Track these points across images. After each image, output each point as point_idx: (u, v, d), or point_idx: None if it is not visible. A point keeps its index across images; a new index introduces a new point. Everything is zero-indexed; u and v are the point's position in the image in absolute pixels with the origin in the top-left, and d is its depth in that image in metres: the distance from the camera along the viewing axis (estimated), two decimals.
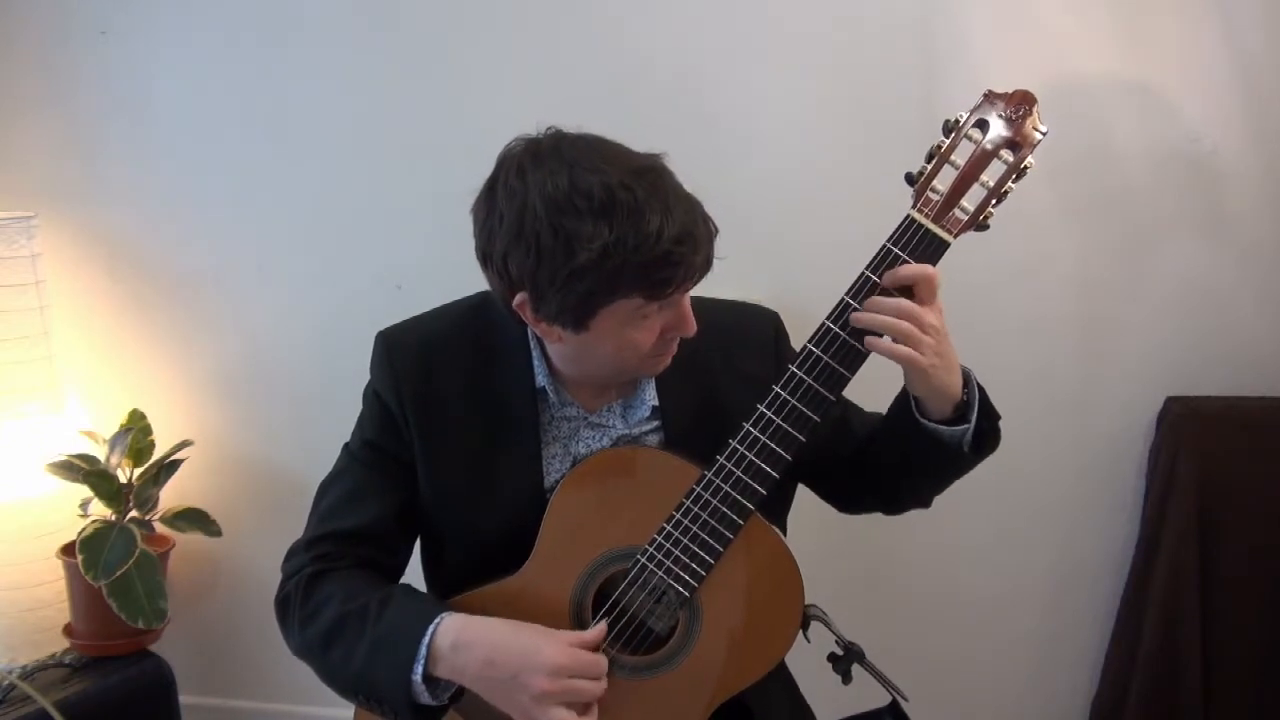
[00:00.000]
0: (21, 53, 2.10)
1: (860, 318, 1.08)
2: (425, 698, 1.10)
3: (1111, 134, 1.77)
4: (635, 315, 1.08)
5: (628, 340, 1.10)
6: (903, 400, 1.17)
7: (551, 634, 1.10)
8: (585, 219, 1.01)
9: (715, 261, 1.12)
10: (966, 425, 1.13)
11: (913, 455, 1.18)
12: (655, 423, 1.24)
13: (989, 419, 1.16)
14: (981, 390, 1.15)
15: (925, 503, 1.30)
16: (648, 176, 1.04)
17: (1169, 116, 1.75)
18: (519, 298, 1.09)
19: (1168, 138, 1.76)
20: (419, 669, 1.08)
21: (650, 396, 1.23)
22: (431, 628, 1.09)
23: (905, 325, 1.06)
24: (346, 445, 1.27)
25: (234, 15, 2.01)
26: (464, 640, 1.09)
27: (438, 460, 1.21)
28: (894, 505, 1.33)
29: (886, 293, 1.08)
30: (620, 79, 1.88)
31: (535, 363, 1.22)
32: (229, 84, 2.05)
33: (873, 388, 1.23)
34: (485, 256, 1.11)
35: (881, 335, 1.09)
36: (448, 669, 1.09)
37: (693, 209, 1.07)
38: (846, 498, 1.35)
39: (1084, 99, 1.75)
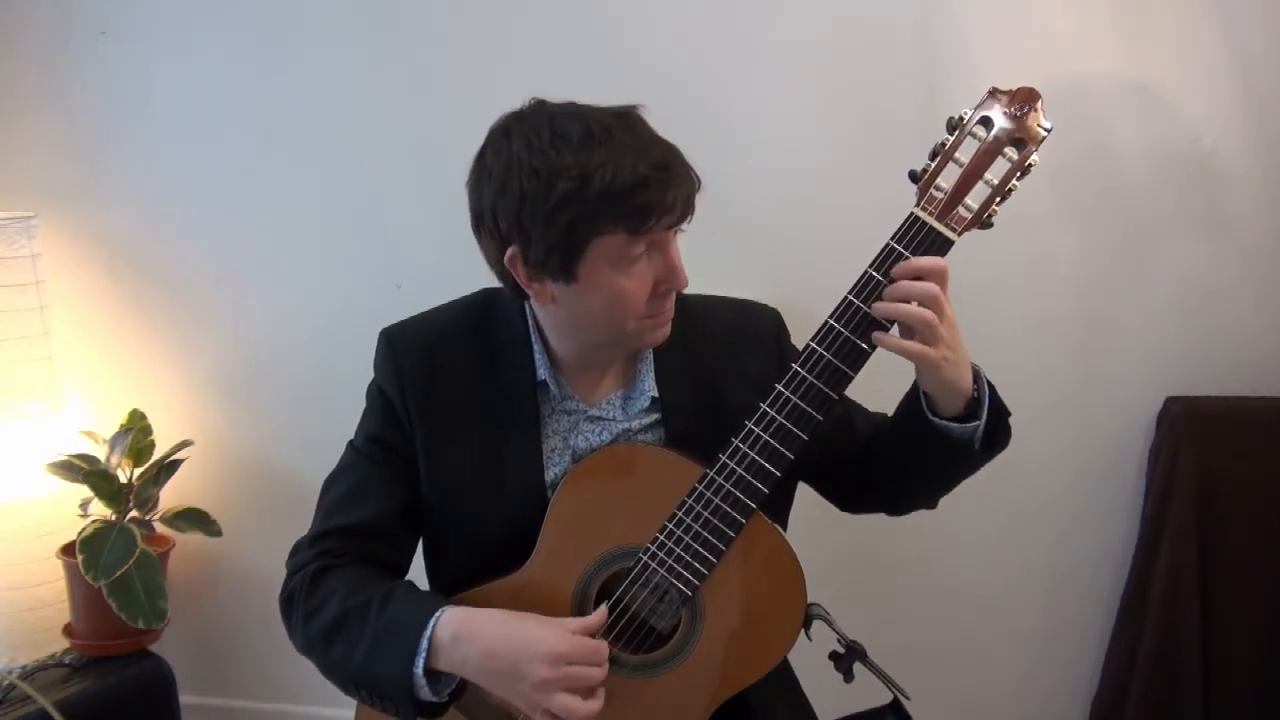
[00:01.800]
0: (21, 52, 2.10)
1: (882, 307, 1.07)
2: (426, 692, 1.10)
3: (1111, 134, 1.77)
4: (622, 258, 1.09)
5: (619, 290, 1.11)
6: (913, 397, 1.17)
7: (551, 622, 1.10)
8: (565, 154, 1.05)
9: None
10: (977, 422, 1.13)
11: (923, 453, 1.18)
12: (655, 415, 1.24)
13: (999, 416, 1.16)
14: (991, 386, 1.15)
15: (931, 504, 1.30)
16: (625, 119, 1.10)
17: (1169, 116, 1.75)
18: (509, 253, 1.11)
19: (1168, 138, 1.76)
20: (420, 662, 1.08)
21: (649, 387, 1.24)
22: (433, 621, 1.10)
23: (928, 315, 1.05)
24: (351, 442, 1.27)
25: (234, 15, 2.01)
26: (465, 632, 1.09)
27: (440, 456, 1.22)
28: (899, 505, 1.33)
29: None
30: (621, 79, 1.87)
31: (536, 356, 1.22)
32: (229, 84, 2.05)
33: (874, 387, 1.23)
34: (477, 219, 1.14)
35: (889, 329, 1.09)
36: (449, 662, 1.09)
37: (671, 149, 1.11)
38: (849, 497, 1.35)
39: (1084, 99, 1.76)
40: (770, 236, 1.87)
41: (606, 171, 1.04)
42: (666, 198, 1.07)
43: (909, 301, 1.06)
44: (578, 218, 1.05)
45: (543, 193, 1.05)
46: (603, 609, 1.13)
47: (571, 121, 1.08)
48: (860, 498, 1.34)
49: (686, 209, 1.11)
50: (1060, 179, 1.77)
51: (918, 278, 1.07)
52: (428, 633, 1.09)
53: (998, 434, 1.16)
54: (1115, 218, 1.80)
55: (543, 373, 1.22)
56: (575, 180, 1.04)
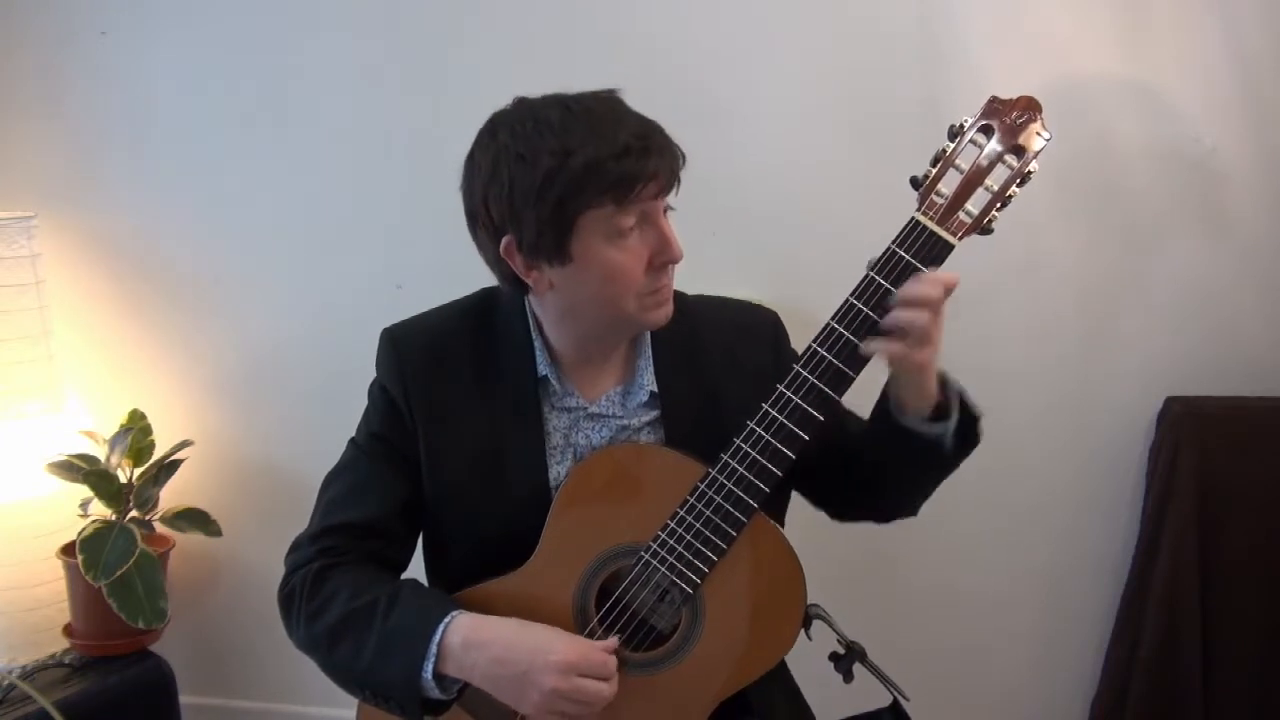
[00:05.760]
0: (22, 53, 2.10)
1: (890, 319, 1.07)
2: (435, 693, 1.10)
3: (1111, 134, 1.77)
4: (613, 231, 1.10)
5: (614, 264, 1.11)
6: (883, 404, 1.17)
7: (562, 633, 1.11)
8: (547, 137, 1.08)
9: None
10: (946, 423, 1.13)
11: (896, 456, 1.18)
12: (654, 412, 1.24)
13: (970, 418, 1.16)
14: (962, 388, 1.15)
15: (913, 510, 1.29)
16: (605, 98, 1.13)
17: (1169, 116, 1.76)
18: (505, 242, 1.12)
19: (1168, 138, 1.76)
20: (429, 667, 1.09)
21: (648, 382, 1.24)
22: (442, 626, 1.10)
23: (926, 321, 1.05)
24: (353, 438, 1.27)
25: (234, 15, 2.01)
26: (475, 639, 1.10)
27: (442, 454, 1.22)
28: (882, 512, 1.32)
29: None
30: (623, 82, 1.86)
31: (537, 353, 1.22)
32: (229, 84, 2.05)
33: (874, 389, 1.23)
34: (472, 216, 1.16)
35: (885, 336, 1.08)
36: (457, 667, 1.10)
37: (650, 123, 1.13)
38: (839, 503, 1.33)
39: (1084, 99, 1.76)
40: (773, 238, 1.87)
41: (588, 145, 1.07)
42: (648, 165, 1.09)
43: (915, 307, 1.06)
44: (564, 193, 1.07)
45: (529, 174, 1.08)
46: (614, 640, 1.13)
47: (552, 108, 1.11)
48: (847, 503, 1.32)
49: (671, 179, 1.13)
50: (1061, 179, 1.77)
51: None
52: (437, 638, 1.09)
53: (969, 435, 1.16)
54: (1115, 218, 1.81)
55: (543, 368, 1.22)
56: (558, 156, 1.06)
